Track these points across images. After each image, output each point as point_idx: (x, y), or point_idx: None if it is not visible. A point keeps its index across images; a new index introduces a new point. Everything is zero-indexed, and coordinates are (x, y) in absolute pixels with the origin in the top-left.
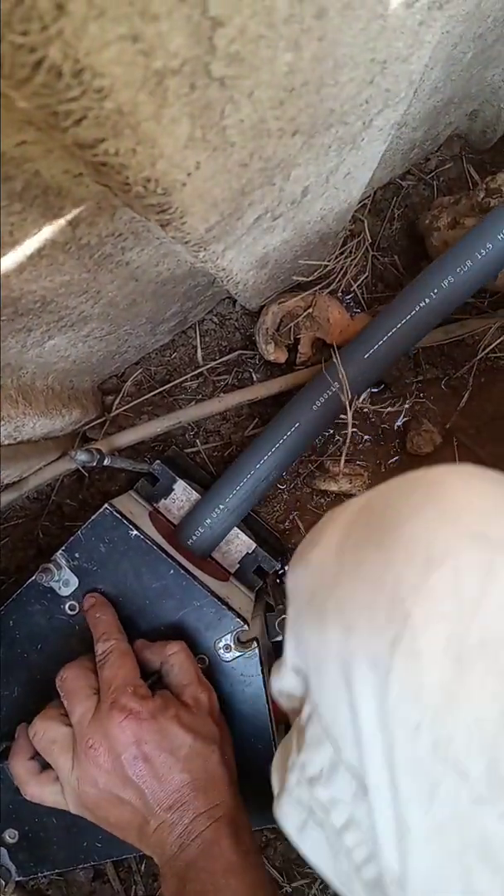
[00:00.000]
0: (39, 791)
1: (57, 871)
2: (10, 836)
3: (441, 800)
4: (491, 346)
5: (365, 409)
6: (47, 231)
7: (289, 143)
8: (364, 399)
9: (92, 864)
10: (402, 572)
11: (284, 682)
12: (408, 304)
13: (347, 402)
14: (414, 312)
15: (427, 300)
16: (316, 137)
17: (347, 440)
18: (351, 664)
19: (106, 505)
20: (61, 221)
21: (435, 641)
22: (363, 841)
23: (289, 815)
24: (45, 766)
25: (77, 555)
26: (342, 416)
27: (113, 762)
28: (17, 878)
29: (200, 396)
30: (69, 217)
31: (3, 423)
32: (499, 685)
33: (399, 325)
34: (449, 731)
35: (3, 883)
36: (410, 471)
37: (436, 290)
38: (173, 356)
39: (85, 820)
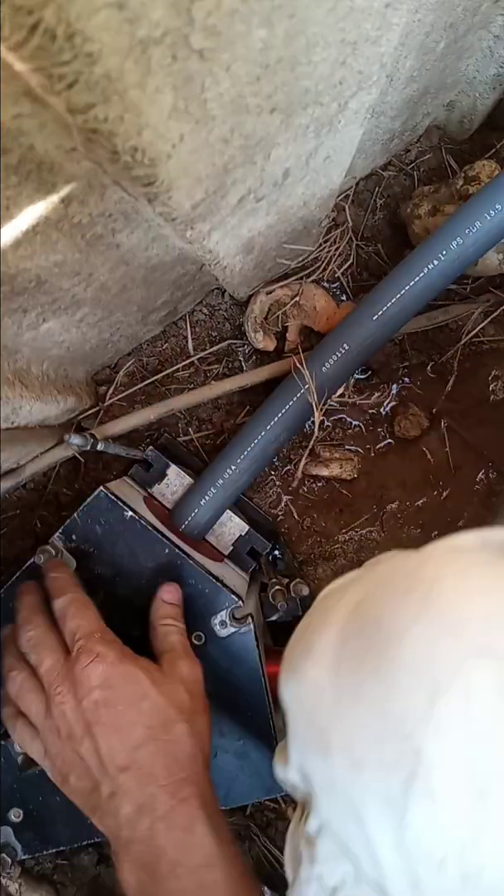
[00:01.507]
0: (28, 745)
1: (62, 848)
2: (15, 814)
3: None
4: (474, 332)
5: (351, 400)
6: (41, 207)
7: (267, 120)
8: (349, 389)
9: (96, 840)
10: (407, 702)
11: (289, 776)
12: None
13: (314, 404)
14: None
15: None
16: (293, 117)
17: (315, 434)
18: (363, 803)
19: (101, 487)
20: (54, 198)
21: (452, 776)
22: None
23: None
24: None
25: (73, 537)
26: (331, 401)
27: (75, 708)
28: (23, 857)
29: (192, 386)
30: (62, 194)
31: (0, 403)
32: None
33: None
34: (478, 862)
35: (10, 861)
36: (399, 552)
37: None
38: (164, 347)
39: None
